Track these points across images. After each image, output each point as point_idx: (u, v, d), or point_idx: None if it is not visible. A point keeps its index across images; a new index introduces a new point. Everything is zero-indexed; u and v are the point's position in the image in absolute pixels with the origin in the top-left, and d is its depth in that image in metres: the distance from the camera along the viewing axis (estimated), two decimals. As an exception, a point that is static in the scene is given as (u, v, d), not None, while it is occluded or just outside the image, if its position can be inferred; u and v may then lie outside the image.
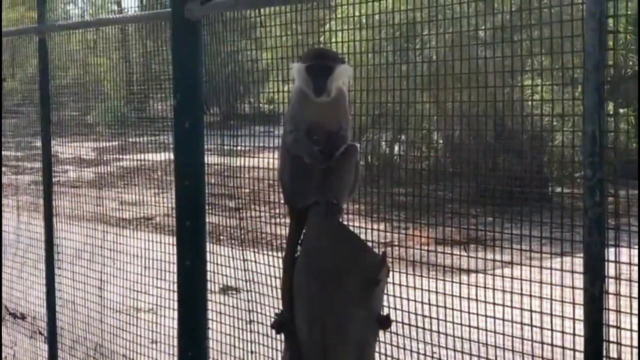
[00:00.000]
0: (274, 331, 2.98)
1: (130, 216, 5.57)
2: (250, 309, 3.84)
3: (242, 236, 3.92)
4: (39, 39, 5.70)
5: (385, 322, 2.77)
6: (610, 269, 2.41)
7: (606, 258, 2.40)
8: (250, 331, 3.85)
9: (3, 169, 6.77)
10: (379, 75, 3.42)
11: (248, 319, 3.87)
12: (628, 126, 3.06)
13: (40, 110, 5.78)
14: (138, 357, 4.81)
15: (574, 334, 2.64)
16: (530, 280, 2.85)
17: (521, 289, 2.87)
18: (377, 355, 3.01)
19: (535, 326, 2.82)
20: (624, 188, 2.57)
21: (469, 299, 3.05)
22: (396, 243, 3.43)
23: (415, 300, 3.21)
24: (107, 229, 5.23)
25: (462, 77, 3.13)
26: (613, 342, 2.42)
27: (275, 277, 3.53)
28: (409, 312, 3.20)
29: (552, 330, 2.73)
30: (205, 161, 3.96)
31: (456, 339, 3.08)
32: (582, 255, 2.43)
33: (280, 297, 3.05)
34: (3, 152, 6.72)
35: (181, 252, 3.98)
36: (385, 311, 2.98)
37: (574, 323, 2.62)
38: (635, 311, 2.43)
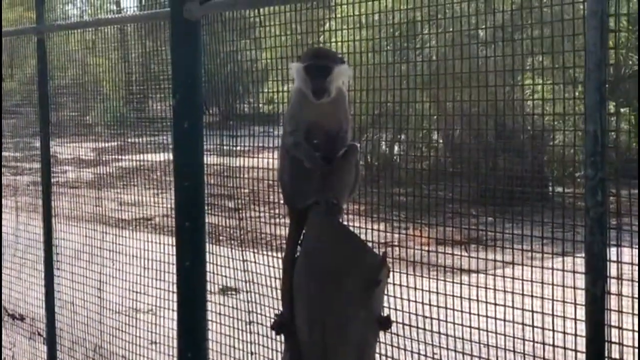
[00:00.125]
0: (273, 332, 2.97)
1: (129, 217, 5.56)
2: (250, 310, 3.83)
3: (242, 236, 3.91)
4: (38, 39, 5.69)
5: (385, 323, 2.77)
6: (612, 269, 2.40)
7: (608, 258, 2.39)
8: (250, 332, 3.84)
9: (2, 169, 6.75)
10: (378, 74, 3.41)
11: (248, 320, 3.86)
12: (629, 126, 3.05)
13: (39, 110, 5.77)
14: (137, 358, 4.80)
15: (575, 335, 2.63)
16: (531, 281, 2.85)
17: (522, 289, 2.86)
18: (377, 355, 3.00)
19: (537, 327, 2.81)
20: (626, 188, 2.56)
21: (469, 299, 3.04)
22: (396, 243, 3.42)
23: (415, 301, 3.20)
24: (106, 229, 5.23)
25: (462, 76, 3.12)
26: (615, 343, 2.41)
27: (275, 278, 3.52)
28: (409, 312, 3.19)
29: (553, 330, 2.72)
30: (205, 161, 3.95)
31: (457, 339, 3.07)
32: (583, 255, 2.42)
33: (280, 297, 3.04)
34: (2, 153, 6.70)
35: (180, 253, 3.97)
36: (386, 312, 2.97)
37: (575, 323, 2.60)
38: (637, 311, 2.42)
